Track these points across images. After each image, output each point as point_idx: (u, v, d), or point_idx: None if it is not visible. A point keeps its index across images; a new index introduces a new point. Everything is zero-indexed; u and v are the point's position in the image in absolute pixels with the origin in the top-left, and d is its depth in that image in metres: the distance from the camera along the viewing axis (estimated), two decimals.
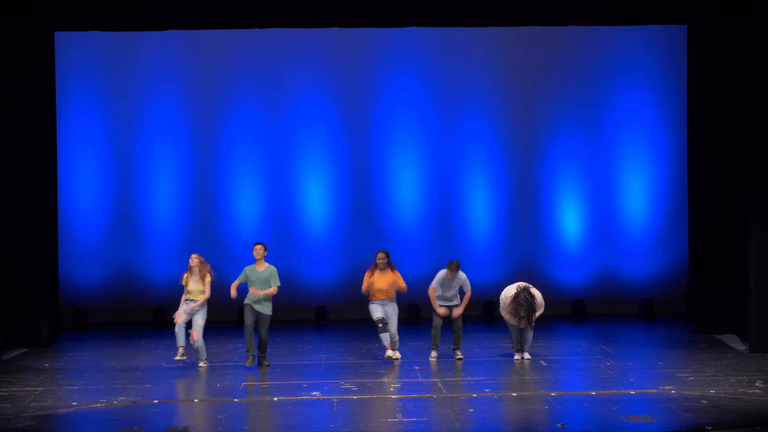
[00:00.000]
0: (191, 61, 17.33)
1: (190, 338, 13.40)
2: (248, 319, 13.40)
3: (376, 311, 13.56)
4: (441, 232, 16.73)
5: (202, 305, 13.51)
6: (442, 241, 16.03)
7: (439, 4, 15.32)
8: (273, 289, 13.47)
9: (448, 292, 13.67)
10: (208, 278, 13.54)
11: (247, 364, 13.36)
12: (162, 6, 15.12)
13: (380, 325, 13.52)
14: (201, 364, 13.53)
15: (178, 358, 13.37)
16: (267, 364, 13.57)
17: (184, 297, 13.56)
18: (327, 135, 17.47)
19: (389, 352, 13.58)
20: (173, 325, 13.49)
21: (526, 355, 13.76)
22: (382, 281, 13.56)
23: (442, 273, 13.69)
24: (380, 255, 13.61)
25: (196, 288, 13.50)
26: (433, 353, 13.79)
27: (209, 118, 17.38)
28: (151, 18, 15.28)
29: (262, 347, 13.54)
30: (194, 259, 13.60)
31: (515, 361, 13.59)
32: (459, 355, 13.79)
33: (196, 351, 13.50)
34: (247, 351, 13.42)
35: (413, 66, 17.46)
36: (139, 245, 17.29)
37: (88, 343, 15.69)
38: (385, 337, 13.56)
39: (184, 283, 13.61)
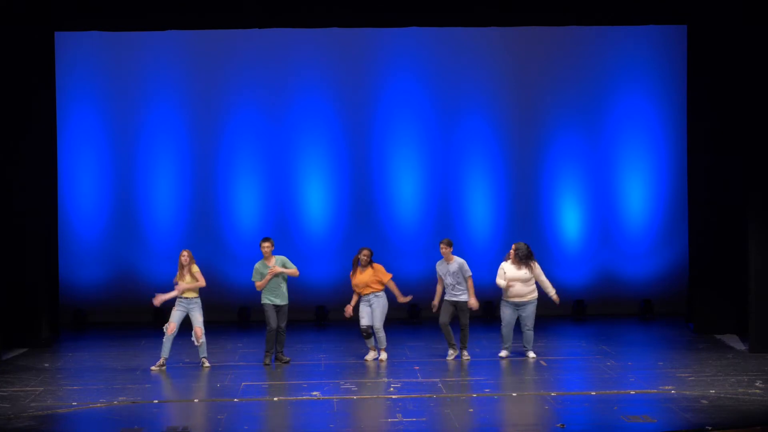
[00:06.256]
0: (191, 61, 17.33)
1: (193, 337, 13.37)
2: (274, 321, 13.47)
3: (363, 317, 13.64)
4: (441, 232, 16.66)
5: (196, 299, 13.46)
6: None
7: (439, 4, 15.31)
8: (294, 270, 13.55)
9: (449, 278, 13.65)
10: (195, 268, 13.48)
11: (267, 361, 13.45)
12: (162, 6, 15.11)
13: (364, 334, 13.66)
14: (205, 363, 13.51)
15: (156, 368, 13.30)
16: (287, 360, 13.59)
17: (176, 295, 13.48)
18: (327, 135, 17.47)
19: (371, 354, 13.74)
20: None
21: (531, 354, 13.78)
22: (364, 276, 13.62)
23: (439, 262, 13.80)
24: (365, 252, 13.68)
25: (189, 285, 13.44)
26: (451, 352, 13.79)
27: (209, 118, 17.38)
28: (151, 18, 15.27)
29: (281, 341, 13.58)
30: (187, 257, 13.55)
31: (501, 360, 13.64)
32: (466, 355, 13.81)
33: (199, 347, 13.47)
34: (269, 351, 13.50)
35: (413, 66, 17.46)
36: (139, 245, 17.29)
37: (88, 343, 15.69)
38: (370, 342, 13.73)
39: (177, 282, 13.52)
